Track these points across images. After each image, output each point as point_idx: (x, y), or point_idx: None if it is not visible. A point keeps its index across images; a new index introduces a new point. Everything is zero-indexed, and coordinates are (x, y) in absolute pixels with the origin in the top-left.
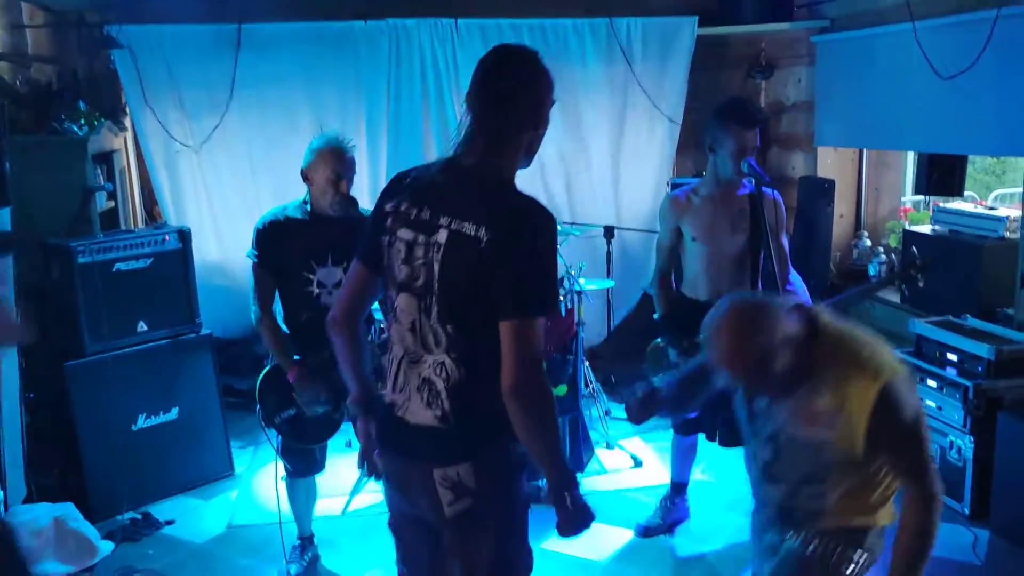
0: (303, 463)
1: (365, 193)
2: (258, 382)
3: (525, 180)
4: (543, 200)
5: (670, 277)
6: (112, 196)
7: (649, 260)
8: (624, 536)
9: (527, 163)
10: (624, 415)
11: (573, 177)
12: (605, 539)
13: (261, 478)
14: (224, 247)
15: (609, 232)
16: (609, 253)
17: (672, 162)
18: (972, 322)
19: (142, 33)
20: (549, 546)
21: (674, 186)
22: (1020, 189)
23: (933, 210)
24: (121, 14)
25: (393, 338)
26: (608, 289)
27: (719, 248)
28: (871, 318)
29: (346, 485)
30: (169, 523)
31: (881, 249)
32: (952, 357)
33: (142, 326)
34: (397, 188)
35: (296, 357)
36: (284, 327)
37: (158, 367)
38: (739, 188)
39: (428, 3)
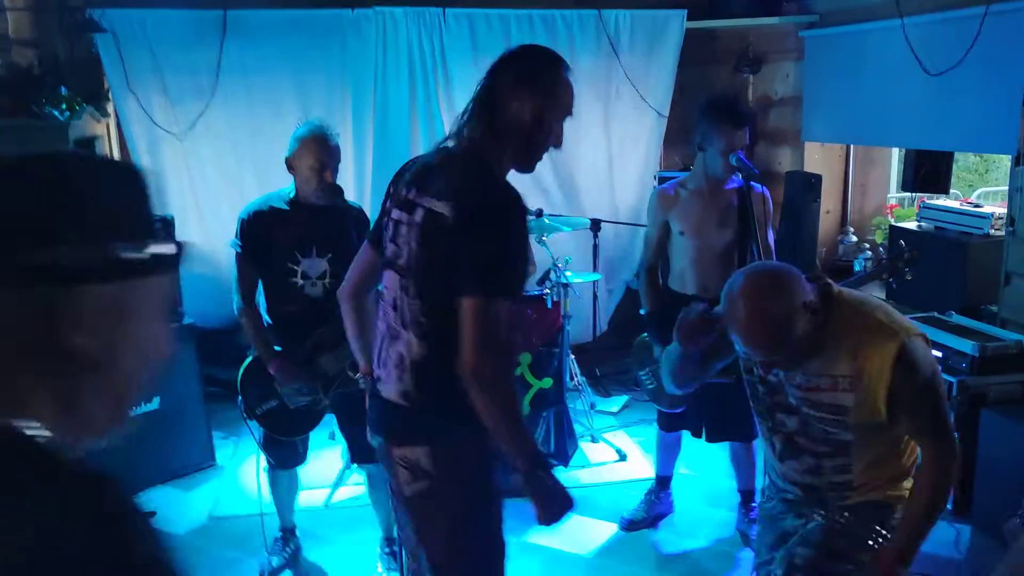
0: (285, 455)
1: (351, 182)
2: (240, 374)
3: (512, 172)
4: (529, 192)
5: (657, 272)
6: None
7: (635, 254)
8: (608, 529)
9: (522, 165)
10: (610, 408)
11: (559, 169)
12: (589, 532)
13: (243, 469)
14: (208, 235)
15: (595, 225)
16: (596, 246)
17: (659, 155)
18: (956, 319)
19: (125, 17)
20: (532, 540)
21: (661, 180)
22: (1003, 187)
23: (919, 206)
24: None
25: (379, 314)
26: (594, 282)
27: (706, 242)
28: None
29: (329, 477)
30: (151, 514)
31: (867, 245)
32: (937, 354)
33: None
34: (402, 171)
35: (278, 348)
36: (267, 318)
37: None
38: (727, 182)
39: None
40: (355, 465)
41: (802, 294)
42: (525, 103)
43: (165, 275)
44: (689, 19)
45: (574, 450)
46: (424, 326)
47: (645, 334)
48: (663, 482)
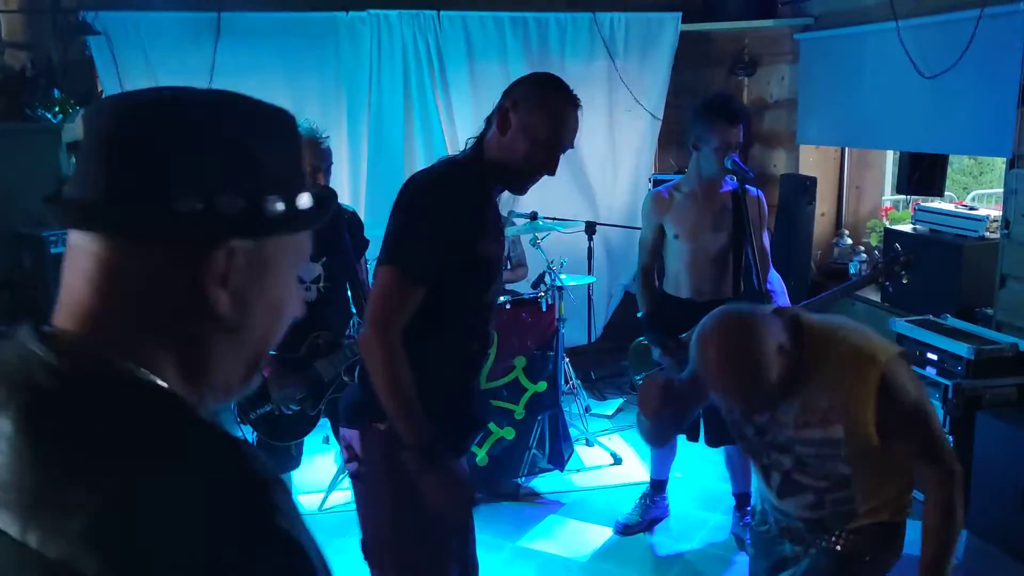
0: (279, 460)
1: (345, 185)
2: None
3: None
4: (526, 196)
5: (653, 275)
6: None
7: (630, 257)
8: (603, 533)
9: (512, 188)
10: (605, 411)
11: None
12: (584, 536)
13: None
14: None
15: (590, 228)
16: (591, 249)
17: (654, 158)
18: (952, 322)
19: (119, 20)
20: (526, 544)
21: (655, 182)
22: (997, 190)
23: (914, 209)
24: (97, 0)
25: None
26: (589, 285)
27: (701, 246)
28: (851, 316)
29: (323, 481)
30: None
31: (862, 248)
32: (932, 356)
33: None
34: None
35: (272, 353)
36: None
37: None
38: (722, 185)
39: None
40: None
41: (774, 338)
42: (520, 130)
43: (307, 230)
44: (684, 22)
45: (569, 454)
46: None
47: (642, 337)
48: (658, 486)
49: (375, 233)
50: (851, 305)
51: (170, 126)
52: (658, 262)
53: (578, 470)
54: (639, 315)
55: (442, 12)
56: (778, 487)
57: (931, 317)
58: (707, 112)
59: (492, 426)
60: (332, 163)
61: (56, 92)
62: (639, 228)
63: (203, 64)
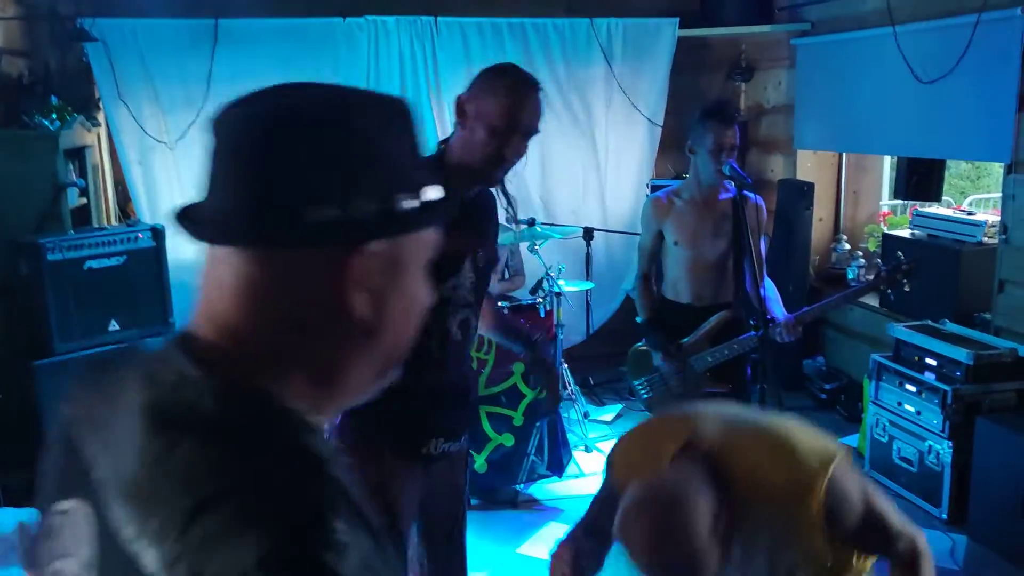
0: None
1: None
2: None
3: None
4: (523, 200)
5: (652, 280)
6: (84, 192)
7: (629, 262)
8: None
9: (480, 179)
10: (604, 416)
11: (552, 178)
12: None
13: None
14: (199, 245)
15: (588, 234)
16: (589, 255)
17: (652, 164)
18: (950, 327)
19: (116, 27)
20: (525, 550)
21: (654, 188)
22: (994, 194)
23: (912, 214)
24: (95, 7)
25: None
26: (587, 291)
27: (701, 253)
28: (850, 321)
29: None
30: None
31: (860, 253)
32: (931, 362)
33: (114, 325)
34: None
35: None
36: None
37: None
38: (721, 192)
39: (408, 1)
40: None
41: (702, 514)
42: (476, 119)
43: (437, 224)
44: (681, 27)
45: (568, 460)
46: None
47: (641, 343)
48: None
49: None
50: (849, 311)
51: (299, 133)
52: (656, 267)
53: (577, 476)
54: (638, 320)
55: (439, 18)
56: None
57: (930, 322)
58: (703, 115)
59: (491, 432)
60: None
61: (54, 99)
62: (638, 234)
63: (201, 70)
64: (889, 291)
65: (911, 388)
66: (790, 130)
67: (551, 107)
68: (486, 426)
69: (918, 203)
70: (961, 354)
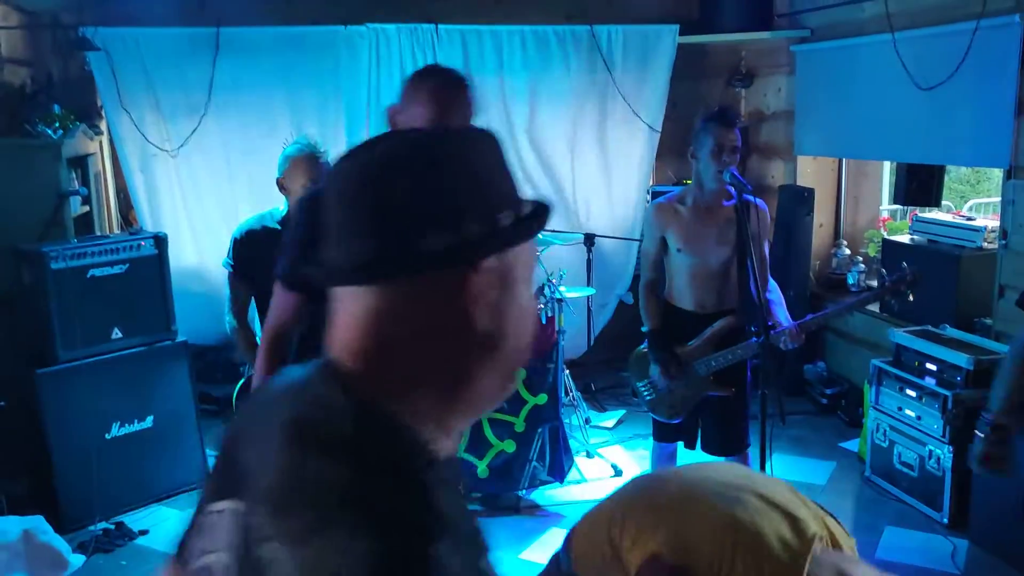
0: None
1: None
2: (235, 393)
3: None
4: None
5: (657, 288)
6: (87, 201)
7: (627, 268)
8: None
9: None
10: (606, 422)
11: (552, 184)
12: None
13: None
14: (201, 253)
15: (589, 240)
16: (589, 261)
17: (652, 170)
18: (951, 332)
19: (118, 36)
20: (527, 556)
21: (654, 194)
22: (994, 199)
23: (912, 219)
24: (97, 16)
25: None
26: (588, 297)
27: (705, 260)
28: (850, 327)
29: None
30: (143, 533)
31: (860, 258)
32: (931, 367)
33: (117, 333)
34: None
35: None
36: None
37: (133, 375)
38: (724, 199)
39: (409, 9)
40: None
41: None
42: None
43: (535, 234)
44: (681, 34)
45: (570, 466)
46: None
47: (643, 345)
48: None
49: None
50: (850, 316)
51: (409, 172)
52: (660, 274)
53: (579, 482)
54: (644, 330)
55: (440, 26)
56: None
57: (930, 328)
58: (704, 120)
59: (492, 439)
60: None
61: (56, 108)
62: (637, 240)
63: (202, 79)
64: (893, 301)
65: (912, 393)
66: (790, 136)
67: (552, 114)
68: (488, 432)
69: (918, 208)
70: (961, 359)
